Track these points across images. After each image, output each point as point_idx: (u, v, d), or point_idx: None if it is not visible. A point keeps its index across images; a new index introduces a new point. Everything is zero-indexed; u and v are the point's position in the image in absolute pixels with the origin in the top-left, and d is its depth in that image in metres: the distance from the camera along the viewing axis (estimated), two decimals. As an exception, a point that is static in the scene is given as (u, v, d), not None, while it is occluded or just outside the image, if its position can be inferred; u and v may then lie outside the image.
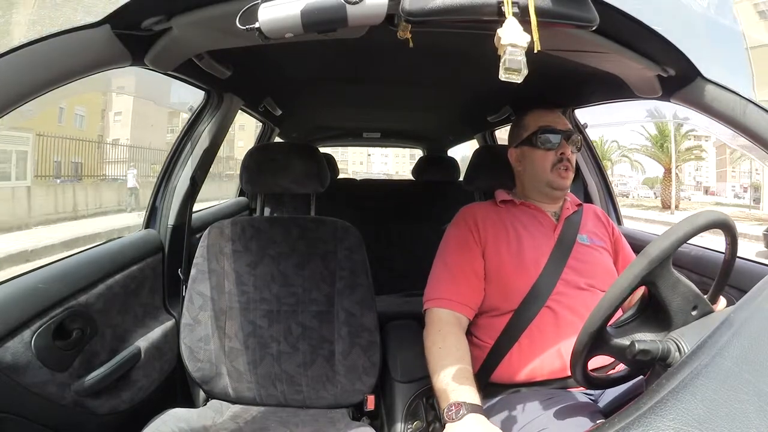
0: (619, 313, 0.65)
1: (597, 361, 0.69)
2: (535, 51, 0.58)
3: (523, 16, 0.58)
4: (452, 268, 1.00)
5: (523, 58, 0.57)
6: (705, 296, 0.69)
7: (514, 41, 0.57)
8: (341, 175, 2.94)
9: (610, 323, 0.62)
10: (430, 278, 1.02)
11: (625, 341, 0.62)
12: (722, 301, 0.75)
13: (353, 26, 0.62)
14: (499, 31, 0.57)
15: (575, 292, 0.95)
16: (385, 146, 4.23)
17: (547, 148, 1.03)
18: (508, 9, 0.57)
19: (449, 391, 0.81)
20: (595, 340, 0.61)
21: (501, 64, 0.58)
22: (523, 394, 0.90)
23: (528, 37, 0.57)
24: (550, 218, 1.06)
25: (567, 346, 0.90)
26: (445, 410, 0.79)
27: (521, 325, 0.93)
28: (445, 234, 1.09)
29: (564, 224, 1.04)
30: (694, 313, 0.61)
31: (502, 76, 0.58)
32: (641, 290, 0.63)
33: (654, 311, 0.63)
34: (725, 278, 0.69)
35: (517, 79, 0.58)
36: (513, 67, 0.57)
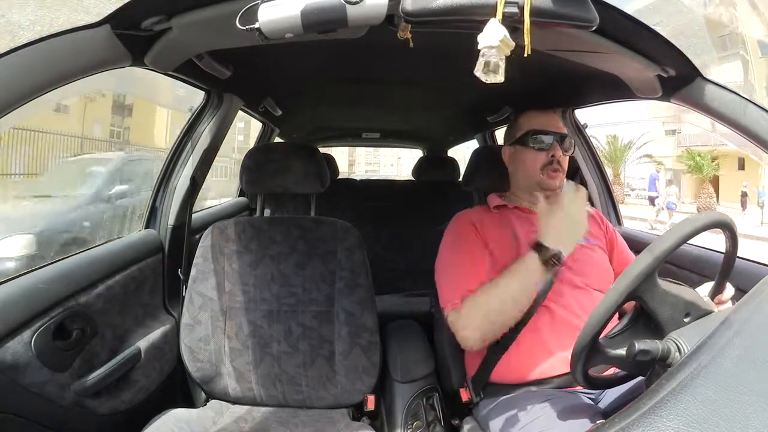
0: (616, 320, 0.66)
1: None
2: (525, 54, 0.59)
3: (519, 17, 0.58)
4: (463, 266, 0.99)
5: (498, 61, 0.58)
6: (706, 293, 0.70)
7: (488, 43, 0.57)
8: (374, 176, 2.97)
9: (603, 335, 0.63)
10: (442, 284, 1.00)
11: (620, 351, 0.63)
12: (729, 288, 0.75)
13: (353, 26, 0.62)
14: (479, 37, 0.58)
15: (571, 290, 0.95)
16: (386, 146, 4.24)
17: (538, 149, 1.04)
18: (499, 11, 0.57)
19: (520, 269, 0.88)
20: (590, 352, 0.62)
21: (477, 65, 0.58)
22: (524, 395, 0.90)
23: (503, 34, 0.57)
24: None
25: (564, 344, 0.90)
26: (549, 265, 0.85)
27: (519, 324, 0.93)
28: (446, 239, 1.07)
29: None
30: (686, 320, 0.61)
31: (480, 75, 0.59)
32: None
33: (645, 322, 0.63)
34: (726, 274, 0.70)
35: (497, 78, 0.58)
36: (490, 69, 0.58)
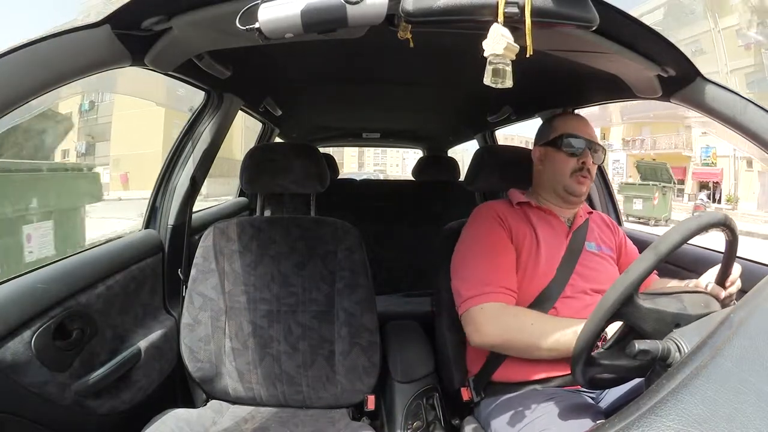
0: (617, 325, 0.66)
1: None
2: (527, 54, 0.59)
3: (520, 17, 0.58)
4: (492, 260, 0.96)
5: (505, 67, 0.58)
6: (712, 278, 0.73)
7: (494, 51, 0.58)
8: (378, 177, 2.95)
9: (595, 350, 0.64)
10: (465, 277, 0.96)
11: (615, 361, 0.64)
12: (737, 268, 0.76)
13: (353, 26, 0.62)
14: (483, 44, 0.58)
15: (581, 296, 0.96)
16: (386, 146, 4.24)
17: (570, 153, 1.04)
18: (500, 11, 0.57)
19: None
20: (586, 365, 0.64)
21: (485, 73, 0.59)
22: (526, 394, 0.90)
23: (506, 41, 0.57)
24: (564, 224, 1.06)
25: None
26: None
27: None
28: (470, 231, 1.05)
29: (574, 232, 1.05)
30: (676, 330, 0.61)
31: (488, 82, 0.59)
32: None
33: (636, 337, 0.63)
34: (731, 257, 0.71)
35: (506, 84, 0.59)
36: (498, 76, 0.59)
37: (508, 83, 0.59)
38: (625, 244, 1.13)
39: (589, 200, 1.64)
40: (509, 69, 0.58)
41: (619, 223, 1.64)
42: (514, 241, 1.00)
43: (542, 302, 0.94)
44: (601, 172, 1.68)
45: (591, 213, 1.13)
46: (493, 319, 0.89)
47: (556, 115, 1.13)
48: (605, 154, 1.10)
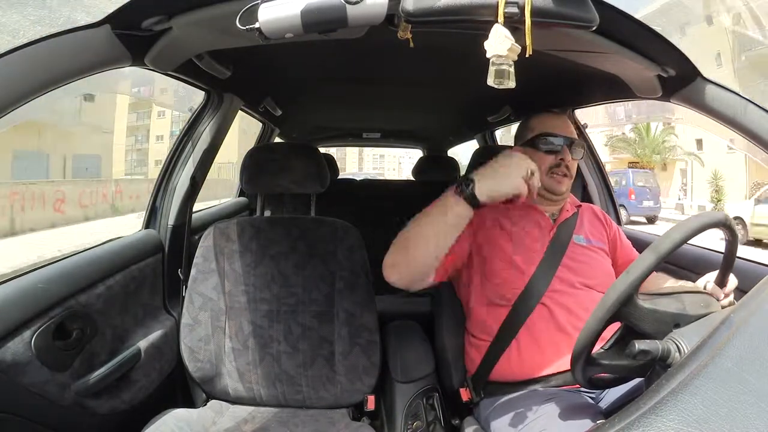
0: (616, 325, 0.66)
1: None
2: (527, 54, 0.59)
3: (520, 17, 0.58)
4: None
5: (508, 68, 0.59)
6: (706, 289, 0.72)
7: (497, 52, 0.58)
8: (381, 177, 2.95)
9: (597, 347, 0.64)
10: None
11: (616, 361, 0.64)
12: (733, 281, 0.76)
13: (353, 26, 0.62)
14: (486, 44, 0.58)
15: (570, 290, 0.96)
16: (386, 146, 4.23)
17: (548, 151, 1.03)
18: (500, 11, 0.57)
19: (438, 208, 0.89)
20: (586, 364, 0.64)
21: (489, 74, 0.59)
22: (525, 394, 0.91)
23: (510, 42, 0.58)
24: (548, 218, 1.06)
25: (563, 343, 0.90)
26: (456, 197, 0.86)
27: (518, 322, 0.94)
28: None
29: (559, 225, 1.04)
30: (676, 330, 0.61)
31: (492, 82, 0.60)
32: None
33: (636, 337, 0.63)
34: (728, 269, 0.71)
35: (510, 84, 0.59)
36: (501, 77, 0.59)
37: (511, 84, 0.59)
38: (619, 238, 1.13)
39: (589, 200, 1.64)
40: (512, 70, 0.59)
41: (618, 222, 1.65)
42: (486, 241, 1.02)
43: (528, 297, 0.95)
44: (601, 172, 1.68)
45: (580, 206, 1.12)
46: (390, 251, 0.95)
47: (532, 115, 1.12)
48: (584, 149, 1.09)
